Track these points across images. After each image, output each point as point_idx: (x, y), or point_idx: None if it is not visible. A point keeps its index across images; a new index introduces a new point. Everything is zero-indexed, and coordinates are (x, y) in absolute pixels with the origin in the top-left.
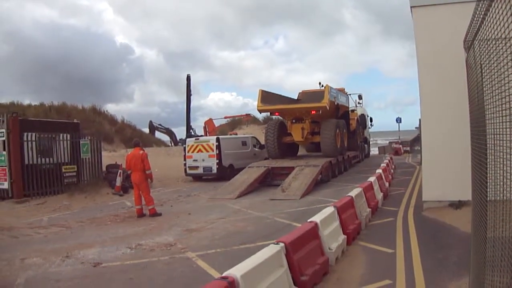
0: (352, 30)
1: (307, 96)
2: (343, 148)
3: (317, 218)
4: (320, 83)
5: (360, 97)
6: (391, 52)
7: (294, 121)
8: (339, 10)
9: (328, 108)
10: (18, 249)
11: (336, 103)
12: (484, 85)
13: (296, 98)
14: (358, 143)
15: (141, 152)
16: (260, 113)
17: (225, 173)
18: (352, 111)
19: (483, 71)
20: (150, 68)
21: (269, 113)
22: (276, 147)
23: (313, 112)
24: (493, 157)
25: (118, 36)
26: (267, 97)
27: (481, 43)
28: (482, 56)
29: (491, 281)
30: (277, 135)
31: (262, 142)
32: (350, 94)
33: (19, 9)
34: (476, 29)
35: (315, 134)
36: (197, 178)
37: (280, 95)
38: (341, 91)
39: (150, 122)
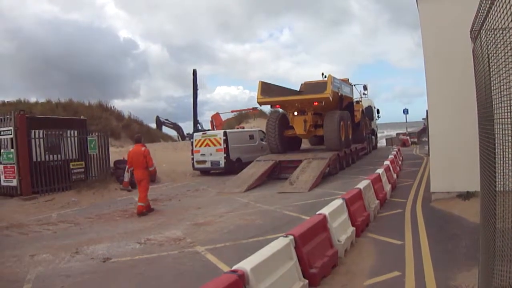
0: (360, 20)
1: (309, 87)
2: (348, 141)
3: (325, 210)
4: (323, 74)
5: (365, 87)
6: (399, 42)
7: (296, 113)
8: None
9: (331, 99)
10: (27, 245)
11: (339, 94)
12: (491, 75)
13: (298, 89)
14: (363, 135)
15: (143, 148)
16: (260, 106)
17: (232, 167)
18: (357, 102)
19: (490, 61)
20: (155, 62)
21: (269, 106)
22: (278, 141)
23: (316, 103)
24: (501, 147)
25: (121, 30)
26: (267, 89)
27: (488, 33)
28: (489, 46)
29: (500, 272)
30: (278, 129)
31: None
32: (354, 85)
33: (20, 5)
34: (482, 19)
35: (318, 127)
36: (205, 172)
37: (281, 87)
38: (345, 81)
39: (157, 117)
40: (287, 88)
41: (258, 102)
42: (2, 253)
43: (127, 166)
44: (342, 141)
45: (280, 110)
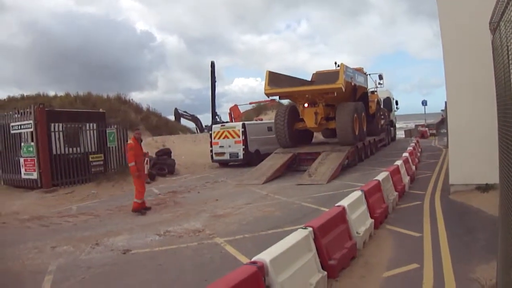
0: (378, 9)
1: (321, 77)
2: (362, 134)
3: (344, 202)
4: (336, 63)
5: (380, 77)
6: (418, 32)
7: (306, 105)
8: None
9: (343, 89)
10: (48, 237)
11: (353, 84)
12: (510, 67)
13: (310, 79)
14: (379, 128)
15: (128, 142)
16: (268, 97)
17: (251, 159)
18: (372, 92)
19: (509, 53)
20: (172, 54)
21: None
22: (287, 135)
23: (327, 94)
24: None
25: (138, 23)
26: (275, 79)
27: (507, 25)
28: (509, 38)
29: None
30: (287, 122)
31: None
32: (369, 74)
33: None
34: (502, 10)
35: (330, 119)
36: (224, 164)
37: (290, 77)
38: (359, 70)
39: (176, 109)
40: (297, 78)
41: (266, 93)
42: (24, 244)
43: (146, 158)
44: (356, 135)
45: (290, 101)
